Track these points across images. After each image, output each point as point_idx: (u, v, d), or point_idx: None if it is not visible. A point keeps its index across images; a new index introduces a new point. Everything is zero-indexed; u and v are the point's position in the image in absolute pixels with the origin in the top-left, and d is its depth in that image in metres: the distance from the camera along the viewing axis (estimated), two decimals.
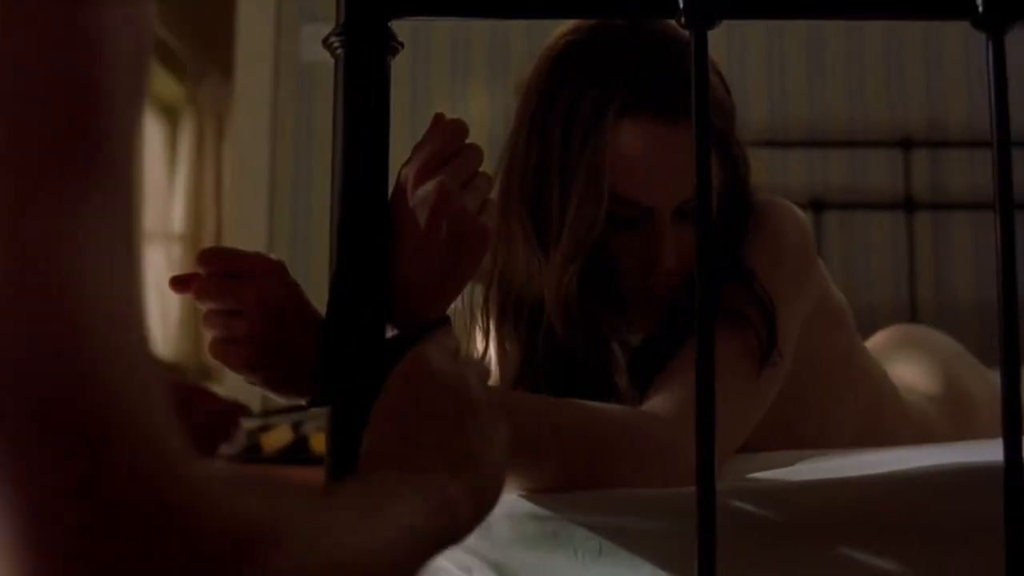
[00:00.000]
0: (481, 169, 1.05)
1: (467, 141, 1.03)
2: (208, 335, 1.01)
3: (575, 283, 1.28)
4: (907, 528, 0.98)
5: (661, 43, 1.29)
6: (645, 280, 1.30)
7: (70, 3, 0.50)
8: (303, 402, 1.01)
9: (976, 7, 0.85)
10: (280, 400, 1.05)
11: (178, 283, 1.00)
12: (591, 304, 1.31)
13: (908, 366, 1.84)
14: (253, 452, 3.19)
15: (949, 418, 1.70)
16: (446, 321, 1.01)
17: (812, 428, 1.42)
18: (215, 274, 0.99)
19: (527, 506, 1.04)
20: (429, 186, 0.98)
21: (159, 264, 5.59)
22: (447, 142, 1.01)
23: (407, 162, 1.01)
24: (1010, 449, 0.82)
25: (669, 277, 1.29)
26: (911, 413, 1.61)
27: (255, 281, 0.98)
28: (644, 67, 1.27)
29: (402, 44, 0.91)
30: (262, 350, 0.98)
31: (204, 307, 1.00)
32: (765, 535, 0.99)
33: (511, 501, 1.05)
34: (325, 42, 0.90)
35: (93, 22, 0.50)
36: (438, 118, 1.03)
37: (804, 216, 1.40)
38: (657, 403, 1.17)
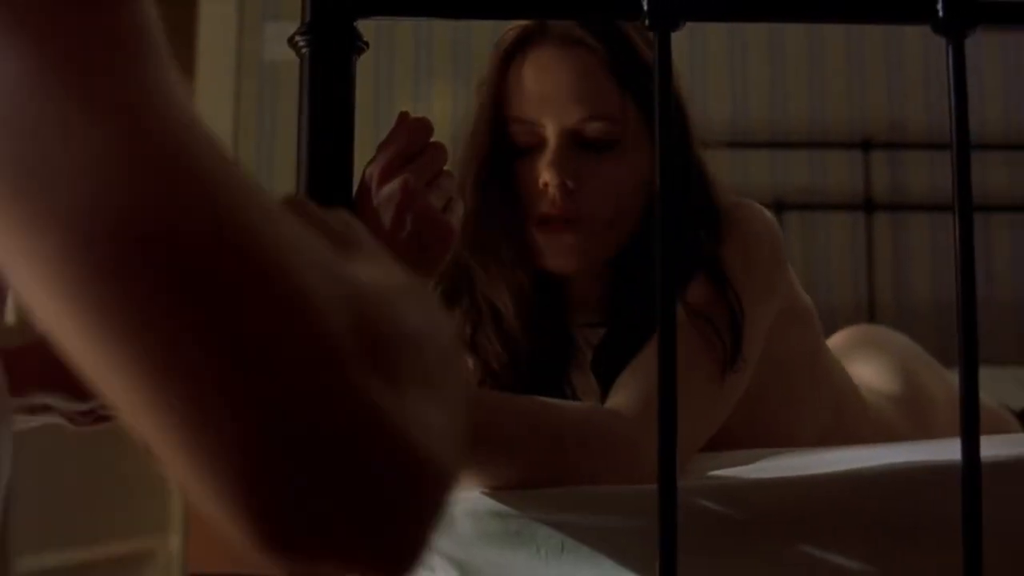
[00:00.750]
0: (446, 168, 1.05)
1: (432, 140, 1.03)
2: None
3: (481, 213, 1.33)
4: (869, 525, 0.99)
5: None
6: (542, 207, 1.33)
7: None
8: None
9: (936, 11, 0.86)
10: None
11: None
12: (499, 237, 1.35)
13: (867, 366, 1.85)
14: None
15: (908, 417, 1.71)
16: None
17: (775, 427, 1.43)
18: None
19: (490, 504, 1.04)
20: (394, 185, 0.98)
21: None
22: (411, 140, 1.02)
23: (371, 161, 1.01)
24: (969, 447, 0.83)
25: (561, 202, 1.32)
26: (871, 413, 1.62)
27: None
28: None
29: (367, 44, 0.91)
30: None
31: None
32: (727, 533, 1.00)
33: (474, 499, 1.05)
34: (291, 41, 0.90)
35: None
36: (403, 116, 1.03)
37: (773, 219, 1.41)
38: (620, 400, 1.18)
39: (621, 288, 1.37)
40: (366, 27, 0.90)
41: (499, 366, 1.37)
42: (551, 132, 1.32)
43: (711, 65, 3.76)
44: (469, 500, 1.05)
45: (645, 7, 0.85)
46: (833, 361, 1.57)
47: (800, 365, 1.46)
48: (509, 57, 1.36)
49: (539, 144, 1.34)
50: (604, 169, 1.33)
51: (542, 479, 1.06)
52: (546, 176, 1.31)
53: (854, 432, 1.54)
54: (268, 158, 3.71)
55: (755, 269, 1.33)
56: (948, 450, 1.00)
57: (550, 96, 1.32)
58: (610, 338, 1.36)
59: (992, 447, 1.00)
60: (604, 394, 1.27)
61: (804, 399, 1.47)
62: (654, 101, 1.31)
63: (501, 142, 1.35)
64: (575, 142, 1.32)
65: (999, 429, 1.92)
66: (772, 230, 1.39)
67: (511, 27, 1.38)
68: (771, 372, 1.35)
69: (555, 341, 1.39)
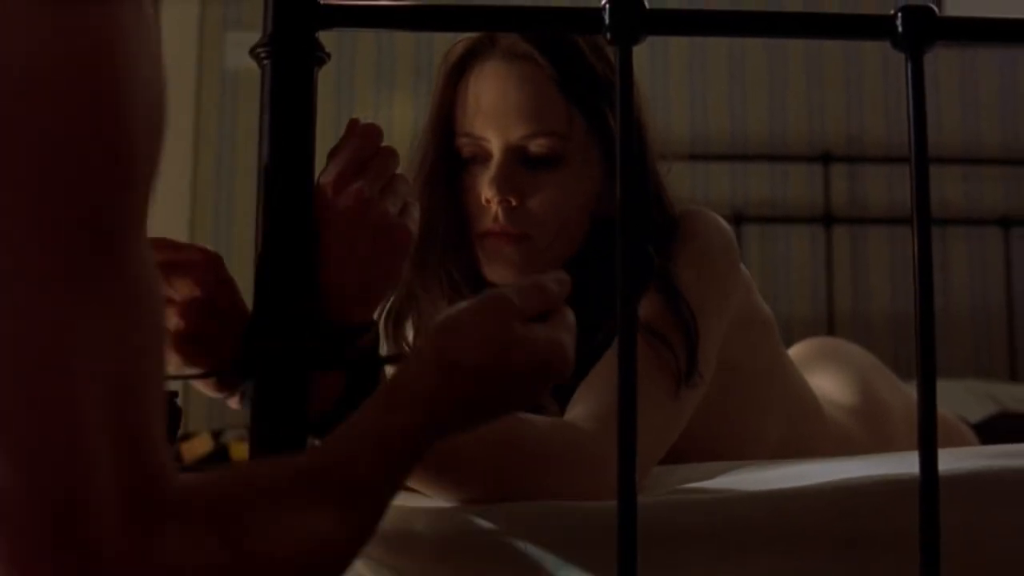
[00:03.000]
0: (399, 172, 1.05)
1: (382, 145, 1.03)
2: None
3: (426, 225, 1.33)
4: (835, 540, 0.99)
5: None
6: (485, 222, 1.34)
7: (92, 71, 0.50)
8: (224, 396, 1.00)
9: (895, 28, 0.87)
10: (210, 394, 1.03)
11: None
12: (443, 249, 1.36)
13: (825, 378, 1.86)
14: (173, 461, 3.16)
15: (865, 429, 1.72)
16: (372, 326, 1.01)
17: (733, 437, 1.43)
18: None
19: (452, 520, 1.04)
20: (349, 194, 0.98)
21: None
22: (363, 146, 1.01)
23: (324, 170, 1.01)
24: (926, 460, 0.84)
25: (505, 217, 1.32)
26: (830, 424, 1.63)
27: (190, 270, 0.97)
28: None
29: (329, 55, 0.91)
30: (189, 339, 0.97)
31: None
32: (691, 548, 0.99)
33: (434, 514, 1.05)
34: (252, 52, 0.90)
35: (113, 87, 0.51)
36: (352, 123, 1.03)
37: (728, 226, 1.41)
38: (580, 414, 1.17)
39: (568, 300, 1.37)
40: (328, 38, 0.90)
41: None
42: (495, 147, 1.32)
43: (672, 78, 3.77)
44: (431, 516, 1.04)
45: (606, 21, 0.85)
46: (792, 370, 1.58)
47: (757, 373, 1.46)
48: (457, 70, 1.36)
49: (484, 158, 1.34)
50: (548, 185, 1.33)
51: (507, 492, 1.06)
52: (488, 193, 1.31)
53: (811, 442, 1.55)
54: (229, 166, 3.70)
55: (708, 278, 1.33)
56: (908, 463, 1.00)
57: (495, 111, 1.32)
58: None
59: (951, 460, 1.01)
60: (560, 407, 1.27)
61: (761, 407, 1.48)
62: (602, 115, 1.32)
63: (447, 154, 1.35)
64: (519, 157, 1.33)
65: (957, 441, 1.93)
66: (725, 237, 1.39)
67: (460, 39, 1.38)
68: (727, 379, 1.35)
69: None
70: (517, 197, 1.32)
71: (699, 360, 1.25)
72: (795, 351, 2.04)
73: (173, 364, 0.98)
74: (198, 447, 3.15)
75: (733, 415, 1.41)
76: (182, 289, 0.97)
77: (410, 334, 1.40)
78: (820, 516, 0.99)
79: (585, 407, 1.18)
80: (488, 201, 1.32)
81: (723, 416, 1.37)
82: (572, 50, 1.33)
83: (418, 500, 1.12)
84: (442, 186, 1.35)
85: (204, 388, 1.00)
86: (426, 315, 1.38)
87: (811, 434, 1.56)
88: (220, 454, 3.12)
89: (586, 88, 1.32)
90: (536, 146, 1.32)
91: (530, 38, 1.32)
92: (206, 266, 0.98)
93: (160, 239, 0.99)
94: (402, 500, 1.13)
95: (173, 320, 0.96)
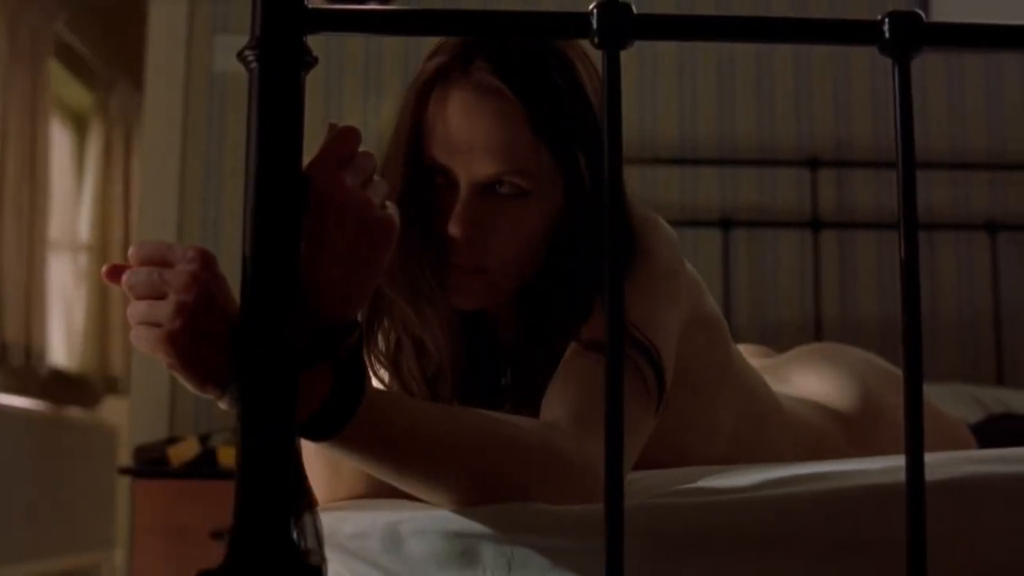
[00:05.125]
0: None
1: (360, 149, 1.04)
2: (131, 321, 0.99)
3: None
4: (818, 544, 0.99)
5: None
6: (451, 254, 1.33)
7: None
8: (215, 396, 1.00)
9: (883, 33, 0.87)
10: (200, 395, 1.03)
11: (110, 272, 1.00)
12: (416, 268, 1.35)
13: (817, 380, 1.86)
14: (159, 464, 3.15)
15: (848, 432, 1.72)
16: (356, 326, 1.01)
17: (687, 431, 1.44)
18: (147, 264, 0.98)
19: (437, 523, 1.04)
20: (332, 183, 0.98)
21: (65, 274, 5.51)
22: (343, 146, 1.02)
23: (308, 165, 1.01)
24: (913, 464, 0.84)
25: (468, 253, 1.32)
26: (789, 418, 1.63)
27: (183, 267, 0.97)
28: (479, 48, 1.33)
29: (317, 59, 0.91)
30: (186, 333, 0.96)
31: (132, 297, 0.99)
32: (673, 553, 1.00)
33: (421, 518, 1.05)
34: (240, 56, 0.89)
35: None
36: (331, 127, 1.04)
37: (669, 227, 1.42)
38: (555, 416, 1.18)
39: (532, 312, 1.37)
40: (316, 40, 0.90)
41: (428, 380, 1.38)
42: (463, 182, 1.32)
43: (660, 83, 3.78)
44: (416, 520, 1.04)
45: (594, 25, 0.85)
46: (743, 366, 1.58)
47: (710, 373, 1.47)
48: (426, 92, 1.35)
49: (452, 184, 1.33)
50: (513, 216, 1.32)
51: (492, 496, 1.06)
52: (454, 229, 1.31)
53: (764, 434, 1.55)
54: (217, 170, 3.70)
55: (657, 286, 1.33)
56: (895, 468, 1.01)
57: (465, 147, 1.31)
58: (522, 349, 1.37)
59: (941, 465, 1.01)
60: (520, 406, 1.28)
61: (713, 402, 1.48)
62: (568, 147, 1.31)
63: (416, 174, 1.35)
64: (486, 192, 1.32)
65: (950, 435, 1.93)
66: (671, 242, 1.40)
67: (431, 59, 1.37)
68: (679, 380, 1.35)
69: (484, 361, 1.40)
70: (481, 231, 1.32)
71: (667, 376, 1.26)
72: (791, 355, 2.04)
73: (166, 361, 0.98)
74: (185, 451, 3.14)
75: (686, 411, 1.42)
76: (177, 286, 0.97)
77: (381, 343, 1.40)
78: (808, 521, 0.99)
79: (558, 408, 1.18)
80: (452, 238, 1.32)
81: (677, 413, 1.36)
82: (544, 84, 1.32)
83: (406, 503, 1.12)
84: (411, 207, 1.33)
85: (194, 388, 1.00)
86: (397, 326, 1.39)
87: (764, 427, 1.56)
88: (208, 457, 3.12)
89: (555, 123, 1.31)
90: (503, 186, 1.32)
91: (502, 72, 1.31)
92: (201, 264, 0.98)
93: (148, 242, 0.99)
94: (390, 504, 1.13)
95: (167, 317, 0.96)
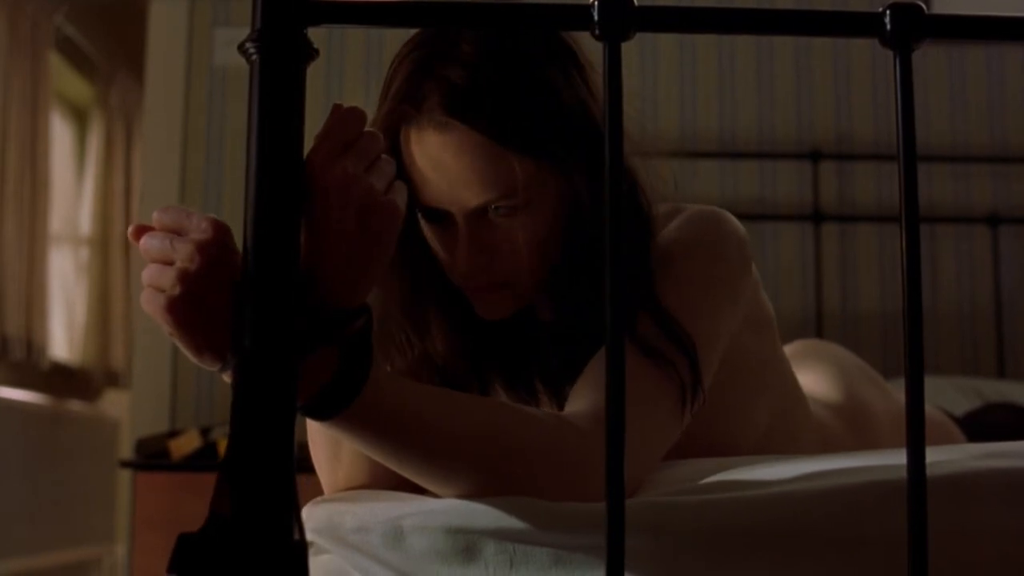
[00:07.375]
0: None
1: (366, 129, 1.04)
2: (143, 282, 1.00)
3: (404, 271, 1.35)
4: (820, 542, 0.99)
5: (478, 54, 1.29)
6: (463, 278, 1.34)
7: None
8: (217, 368, 1.00)
9: (884, 25, 0.87)
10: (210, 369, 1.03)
11: (136, 232, 1.01)
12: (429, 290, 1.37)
13: (809, 376, 1.87)
14: (160, 457, 3.16)
15: (847, 427, 1.73)
16: (364, 311, 1.01)
17: (727, 425, 1.43)
18: (165, 229, 0.99)
19: (439, 519, 1.03)
20: (334, 170, 0.98)
21: (66, 267, 5.51)
22: (347, 128, 1.02)
23: (311, 150, 1.01)
24: (915, 459, 0.84)
25: (483, 276, 1.32)
26: (812, 419, 1.63)
27: (193, 236, 0.98)
28: (426, 77, 1.30)
29: (318, 51, 0.91)
30: (185, 301, 0.97)
31: (147, 259, 0.99)
32: (682, 550, 0.99)
33: (423, 514, 1.04)
34: (240, 48, 0.89)
35: None
36: (336, 107, 1.03)
37: (738, 223, 1.41)
38: (576, 408, 1.17)
39: (559, 305, 1.37)
40: (317, 33, 0.90)
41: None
42: (456, 215, 1.30)
43: (661, 75, 3.77)
44: (418, 515, 1.04)
45: (595, 18, 0.85)
46: (785, 365, 1.57)
47: (754, 368, 1.46)
48: (392, 139, 1.31)
49: (449, 215, 1.32)
50: (515, 232, 1.31)
51: (495, 489, 1.06)
52: (461, 259, 1.31)
53: (795, 433, 1.55)
54: (217, 163, 3.70)
55: (711, 279, 1.33)
56: (895, 462, 1.00)
57: (444, 186, 1.29)
58: (559, 338, 1.36)
59: (937, 461, 1.01)
60: (555, 393, 1.29)
61: (754, 400, 1.48)
62: (549, 147, 1.30)
63: (421, 216, 1.34)
64: (482, 217, 1.31)
65: (945, 438, 1.94)
66: (736, 237, 1.39)
67: (384, 100, 1.34)
68: (726, 375, 1.35)
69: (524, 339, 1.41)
70: (488, 254, 1.32)
71: (705, 376, 1.25)
72: (787, 350, 2.05)
73: (166, 328, 0.99)
74: (186, 444, 3.14)
75: (729, 406, 1.41)
76: (183, 254, 0.97)
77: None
78: (811, 519, 0.99)
79: (578, 405, 1.18)
80: (464, 273, 1.32)
81: (719, 408, 1.36)
82: (499, 99, 1.27)
83: (409, 497, 1.12)
84: (411, 235, 1.33)
85: (191, 355, 1.00)
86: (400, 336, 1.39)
87: (796, 427, 1.56)
88: (209, 450, 3.12)
89: (520, 131, 1.28)
90: (495, 211, 1.30)
91: (450, 104, 1.26)
92: (212, 235, 0.98)
93: (173, 207, 1.01)
94: (394, 497, 1.13)
95: (169, 283, 0.97)
